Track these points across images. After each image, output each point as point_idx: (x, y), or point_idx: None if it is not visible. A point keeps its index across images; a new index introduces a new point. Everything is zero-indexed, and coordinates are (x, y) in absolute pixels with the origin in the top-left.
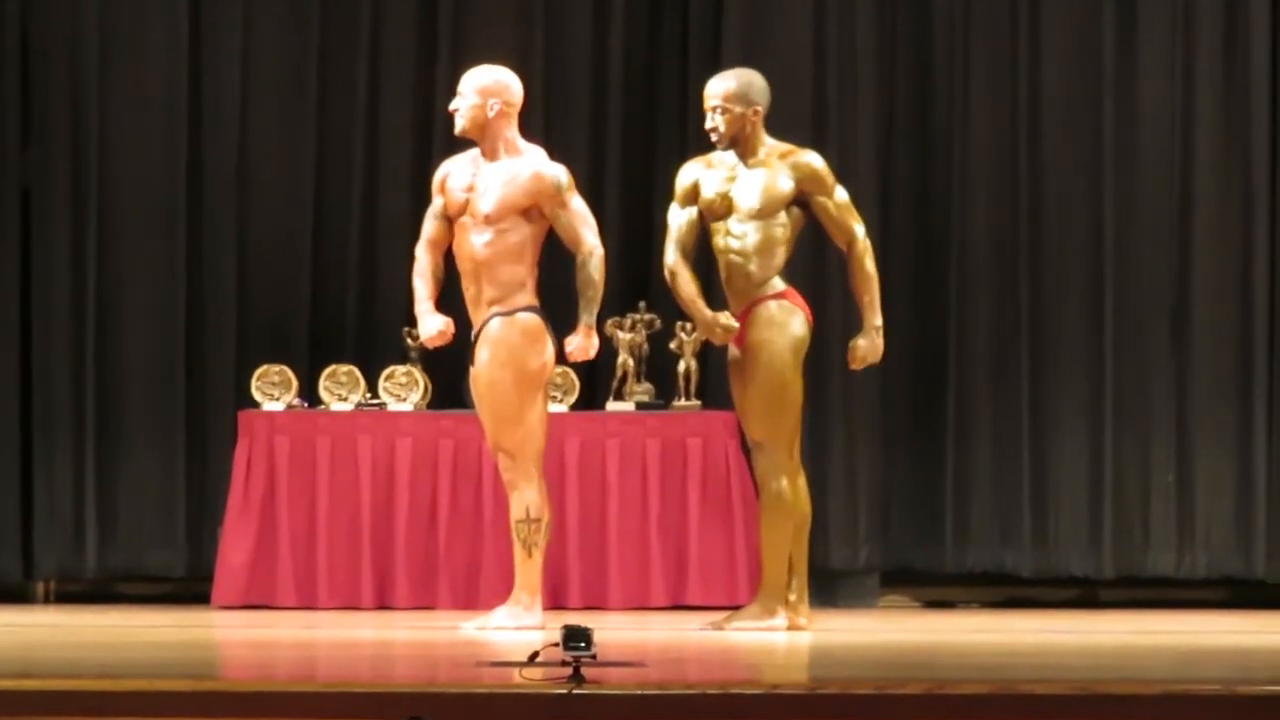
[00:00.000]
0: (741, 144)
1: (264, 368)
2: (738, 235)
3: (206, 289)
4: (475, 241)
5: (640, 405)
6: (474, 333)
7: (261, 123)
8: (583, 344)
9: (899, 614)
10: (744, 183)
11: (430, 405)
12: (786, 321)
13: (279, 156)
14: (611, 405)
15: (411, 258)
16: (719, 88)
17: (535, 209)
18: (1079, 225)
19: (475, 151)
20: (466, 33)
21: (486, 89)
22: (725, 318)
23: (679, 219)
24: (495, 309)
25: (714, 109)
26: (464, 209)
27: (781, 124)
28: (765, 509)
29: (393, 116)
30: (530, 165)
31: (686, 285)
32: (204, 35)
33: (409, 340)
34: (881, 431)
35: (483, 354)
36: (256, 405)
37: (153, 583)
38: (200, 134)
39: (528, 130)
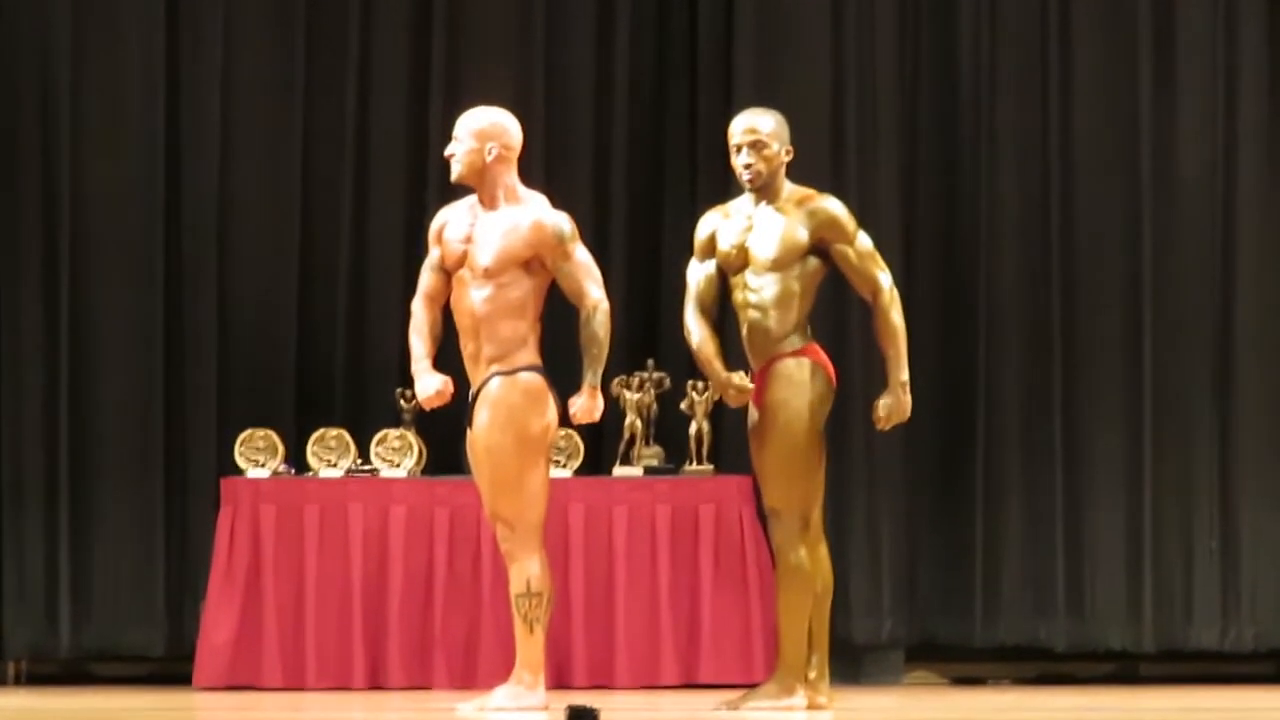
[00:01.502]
0: (766, 189)
1: (248, 432)
2: (755, 289)
3: (187, 347)
4: (474, 296)
5: (649, 470)
6: (472, 393)
7: (243, 169)
8: (587, 405)
9: (925, 692)
10: (761, 232)
11: (425, 471)
12: (806, 380)
13: (262, 204)
14: (619, 470)
15: (406, 313)
16: (759, 123)
17: (537, 260)
18: (1115, 269)
19: (473, 199)
20: (461, 71)
21: (484, 132)
22: (739, 378)
23: (696, 274)
24: (495, 368)
25: (752, 145)
26: (462, 261)
27: (796, 165)
28: (782, 580)
29: (383, 161)
30: (531, 214)
31: (704, 344)
32: (182, 78)
33: (402, 402)
34: (906, 494)
35: (482, 416)
36: (240, 472)
37: (130, 663)
38: (179, 181)
39: (528, 176)
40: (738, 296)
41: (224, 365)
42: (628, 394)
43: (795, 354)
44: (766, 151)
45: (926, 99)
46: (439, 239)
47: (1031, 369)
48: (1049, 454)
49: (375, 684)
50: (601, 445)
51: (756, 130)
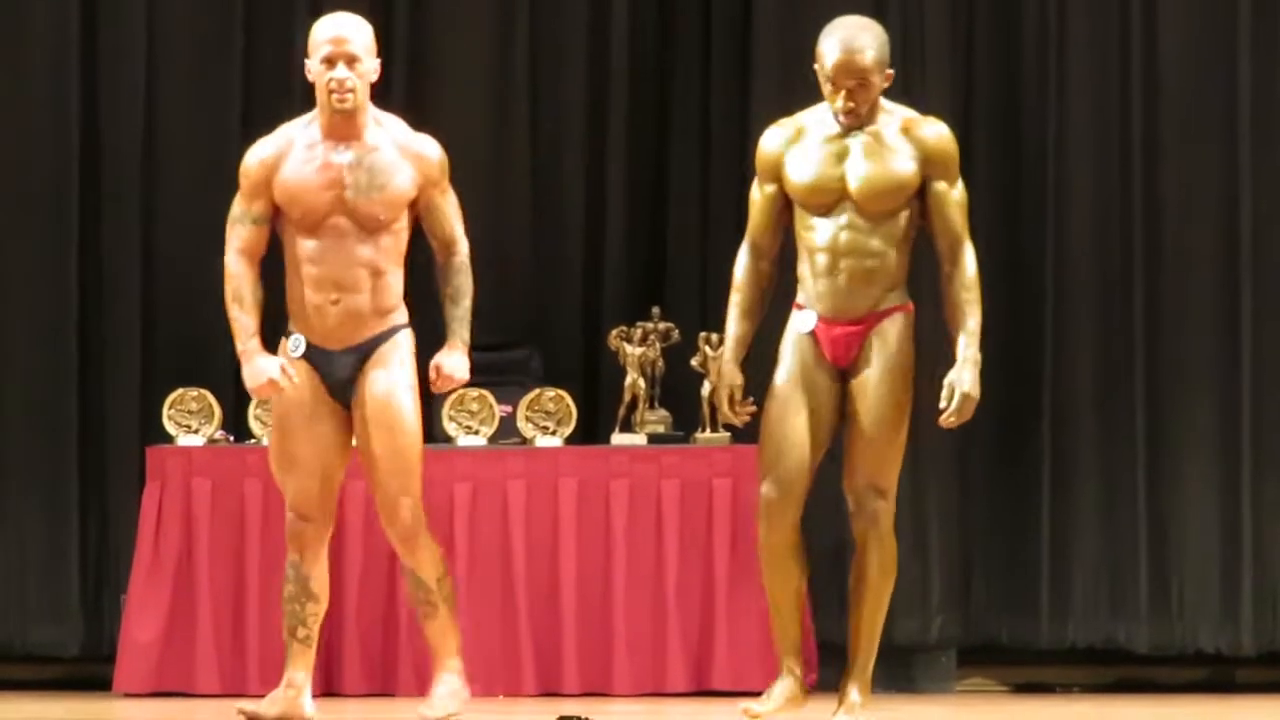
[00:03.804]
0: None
1: (178, 392)
2: (859, 229)
3: (105, 295)
4: (360, 248)
5: (654, 438)
6: (348, 350)
7: (172, 96)
8: (462, 363)
9: (981, 700)
10: (864, 161)
11: None
12: (910, 340)
13: (193, 136)
14: (618, 438)
15: None
16: (862, 57)
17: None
18: (1206, 222)
19: (298, 127)
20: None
21: (372, 47)
22: (741, 403)
23: (759, 204)
24: (394, 320)
25: (858, 87)
26: (328, 209)
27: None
28: (888, 573)
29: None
30: (403, 142)
31: (732, 304)
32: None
33: None
34: (959, 478)
35: (390, 375)
36: (170, 440)
37: (38, 664)
38: (97, 111)
39: (514, 106)
40: (828, 239)
41: (149, 317)
42: (628, 348)
43: (902, 309)
44: (870, 91)
45: (983, 35)
46: (265, 185)
47: (1107, 336)
48: (1128, 428)
49: (329, 689)
50: (598, 409)
51: (861, 68)
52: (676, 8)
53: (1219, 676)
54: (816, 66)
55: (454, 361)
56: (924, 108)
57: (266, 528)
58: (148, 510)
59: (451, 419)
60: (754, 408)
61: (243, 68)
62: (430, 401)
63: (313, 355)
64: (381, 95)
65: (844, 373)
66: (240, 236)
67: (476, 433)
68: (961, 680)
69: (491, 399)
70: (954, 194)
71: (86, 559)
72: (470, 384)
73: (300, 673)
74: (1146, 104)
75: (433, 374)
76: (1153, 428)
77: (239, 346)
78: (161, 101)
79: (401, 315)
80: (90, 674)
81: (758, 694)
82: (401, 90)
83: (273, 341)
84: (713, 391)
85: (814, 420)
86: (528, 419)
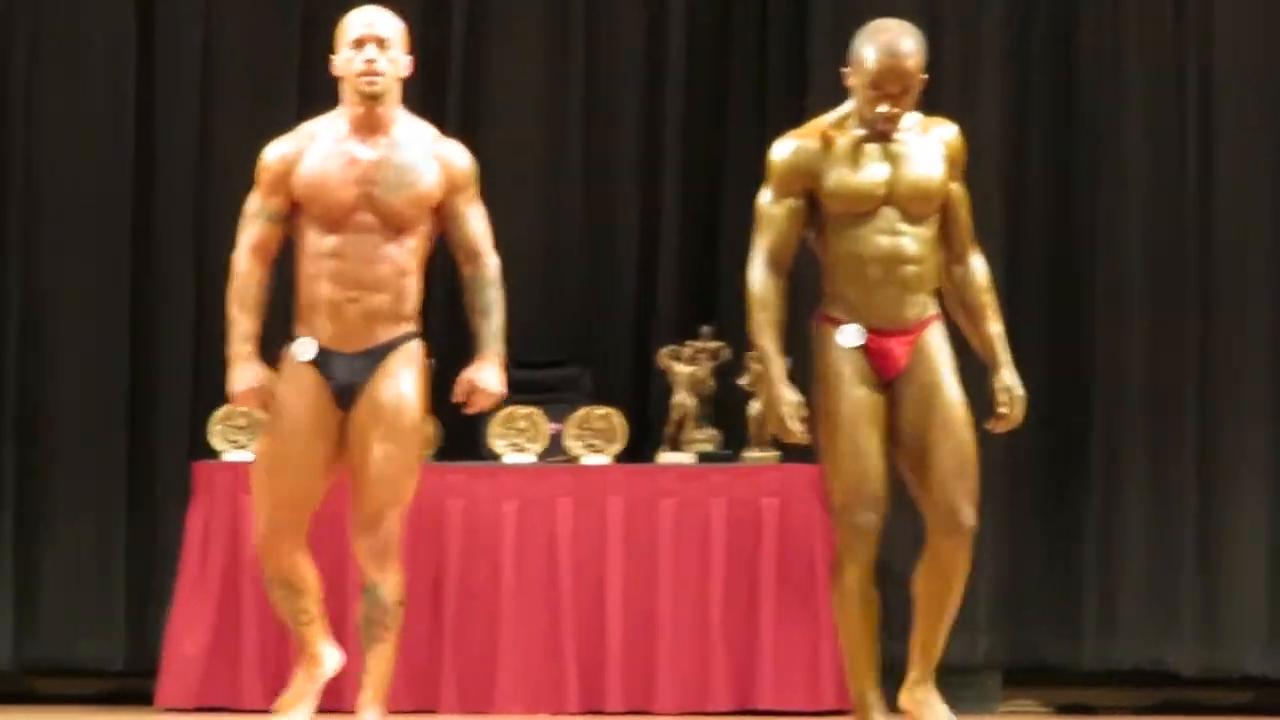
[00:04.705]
0: None
1: (227, 408)
2: (905, 233)
3: (159, 309)
4: (388, 247)
5: (703, 456)
6: (362, 353)
7: (227, 111)
8: (497, 377)
9: None
10: (907, 163)
11: (436, 456)
12: (951, 350)
13: (248, 150)
14: (666, 456)
15: None
16: (910, 63)
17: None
18: (1261, 233)
19: (324, 124)
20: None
21: (402, 36)
22: (799, 423)
23: (775, 214)
24: (408, 328)
25: (901, 93)
26: (352, 207)
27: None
28: (959, 598)
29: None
30: (429, 146)
31: (764, 324)
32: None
33: None
34: (1005, 489)
35: (399, 383)
36: (216, 455)
37: (82, 678)
38: (153, 125)
39: (569, 124)
40: (874, 247)
41: (200, 330)
42: (678, 367)
43: (938, 317)
44: (912, 96)
45: (1040, 30)
46: (284, 180)
47: (1158, 350)
48: (1178, 449)
49: None
50: (647, 427)
51: (908, 74)
52: (733, 27)
53: (1266, 700)
54: (850, 70)
55: (488, 375)
56: (979, 118)
57: (314, 541)
58: (193, 525)
59: (500, 436)
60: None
61: (298, 81)
62: (478, 419)
63: (321, 358)
64: (436, 117)
65: (889, 386)
66: (253, 234)
67: (525, 450)
68: (1006, 701)
69: (540, 416)
70: (964, 194)
71: (132, 573)
72: (519, 401)
73: (317, 640)
74: (1201, 122)
75: (463, 389)
76: (1203, 449)
77: (231, 349)
78: (217, 117)
79: (416, 324)
80: (134, 689)
81: (802, 714)
82: (456, 111)
83: (271, 345)
84: (764, 413)
85: (884, 439)
86: (576, 437)
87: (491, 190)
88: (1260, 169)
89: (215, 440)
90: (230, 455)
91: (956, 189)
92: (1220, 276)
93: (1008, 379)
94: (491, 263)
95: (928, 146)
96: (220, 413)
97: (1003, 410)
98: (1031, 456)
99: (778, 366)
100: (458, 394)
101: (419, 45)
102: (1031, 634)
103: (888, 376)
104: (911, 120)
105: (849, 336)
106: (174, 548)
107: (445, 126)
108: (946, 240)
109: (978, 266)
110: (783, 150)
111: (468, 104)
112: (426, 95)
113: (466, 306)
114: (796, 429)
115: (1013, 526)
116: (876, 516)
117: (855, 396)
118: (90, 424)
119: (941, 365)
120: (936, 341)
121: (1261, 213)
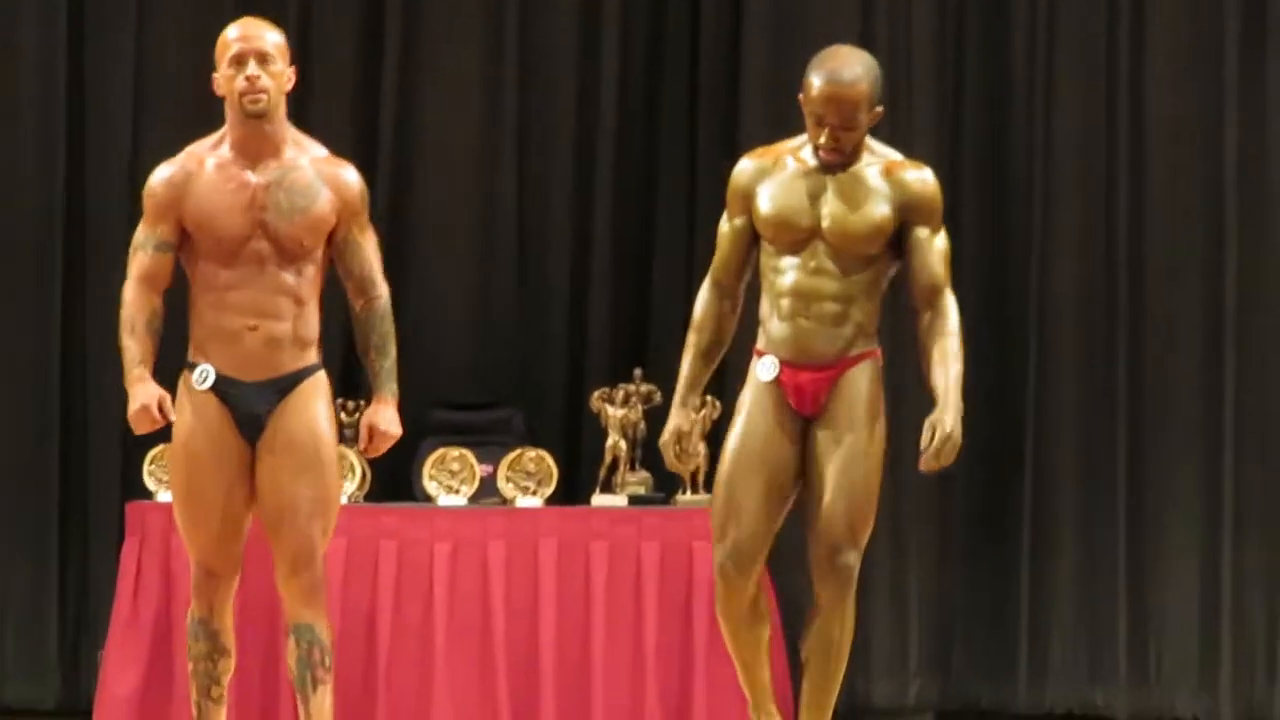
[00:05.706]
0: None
1: (160, 448)
2: (830, 272)
3: (88, 349)
4: (284, 275)
5: (635, 499)
6: (267, 383)
7: (158, 148)
8: (393, 417)
9: None
10: (841, 200)
11: (369, 497)
12: (879, 388)
13: None
14: (598, 499)
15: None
16: (851, 91)
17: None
18: (1191, 281)
19: (205, 147)
20: (418, 28)
21: (284, 48)
22: (685, 452)
23: (726, 237)
24: (312, 359)
25: (841, 125)
26: (246, 235)
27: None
28: (848, 642)
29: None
30: (321, 168)
31: (690, 345)
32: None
33: (343, 415)
34: (937, 536)
35: (311, 414)
36: (150, 495)
37: (15, 718)
38: (83, 163)
39: (501, 169)
40: (795, 280)
41: None
42: (610, 410)
43: (871, 355)
44: (857, 131)
45: (973, 58)
46: (172, 208)
47: (1089, 392)
48: (1109, 492)
49: None
50: (579, 470)
51: (850, 103)
52: (665, 70)
53: None
54: (801, 97)
55: (387, 417)
56: (909, 143)
57: (244, 584)
58: (126, 565)
59: (432, 478)
60: (702, 453)
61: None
62: (409, 460)
63: (221, 387)
64: (368, 158)
65: (808, 422)
66: (141, 263)
67: (457, 492)
68: None
69: (472, 458)
70: (936, 241)
71: (65, 614)
72: (452, 443)
73: None
74: (1133, 158)
75: (364, 435)
76: (1133, 492)
77: (126, 375)
78: (148, 156)
79: (317, 353)
80: None
81: None
82: (389, 149)
83: (170, 373)
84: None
85: (772, 479)
86: (509, 479)
87: (424, 231)
88: (1187, 213)
89: (148, 481)
90: (163, 495)
91: (920, 234)
92: (1147, 329)
93: (935, 415)
94: (383, 293)
95: (878, 187)
96: (153, 452)
97: (921, 445)
98: (964, 499)
99: (681, 389)
100: (361, 440)
101: (351, 87)
102: (963, 676)
103: (804, 412)
104: (878, 158)
105: (764, 369)
106: (107, 588)
107: (377, 166)
108: (910, 284)
109: (946, 312)
110: (737, 168)
111: (399, 144)
112: (358, 138)
113: (359, 342)
114: (668, 456)
115: (943, 568)
116: (738, 562)
117: (749, 432)
118: (22, 464)
119: (857, 405)
120: (859, 381)
121: (1187, 273)
